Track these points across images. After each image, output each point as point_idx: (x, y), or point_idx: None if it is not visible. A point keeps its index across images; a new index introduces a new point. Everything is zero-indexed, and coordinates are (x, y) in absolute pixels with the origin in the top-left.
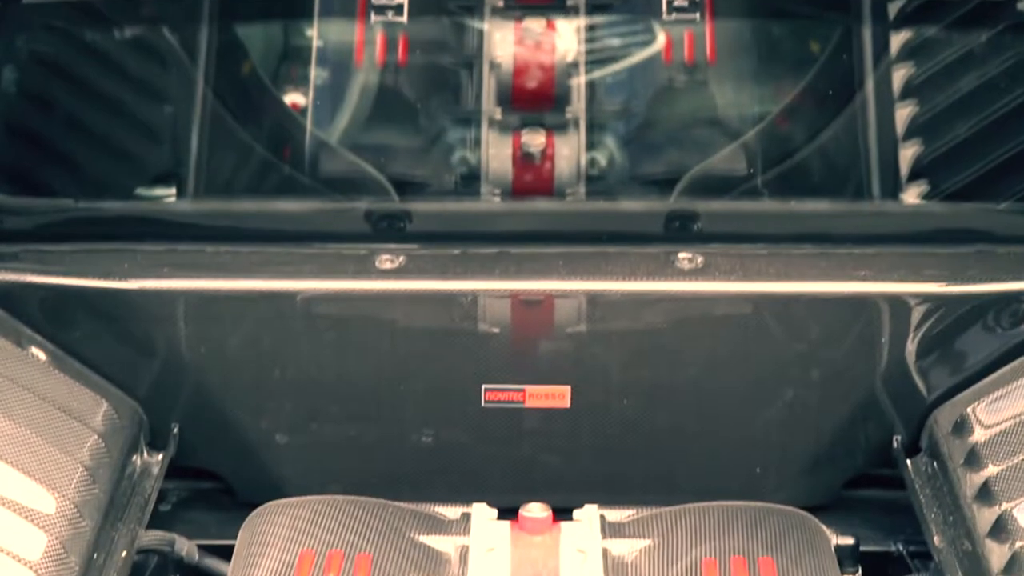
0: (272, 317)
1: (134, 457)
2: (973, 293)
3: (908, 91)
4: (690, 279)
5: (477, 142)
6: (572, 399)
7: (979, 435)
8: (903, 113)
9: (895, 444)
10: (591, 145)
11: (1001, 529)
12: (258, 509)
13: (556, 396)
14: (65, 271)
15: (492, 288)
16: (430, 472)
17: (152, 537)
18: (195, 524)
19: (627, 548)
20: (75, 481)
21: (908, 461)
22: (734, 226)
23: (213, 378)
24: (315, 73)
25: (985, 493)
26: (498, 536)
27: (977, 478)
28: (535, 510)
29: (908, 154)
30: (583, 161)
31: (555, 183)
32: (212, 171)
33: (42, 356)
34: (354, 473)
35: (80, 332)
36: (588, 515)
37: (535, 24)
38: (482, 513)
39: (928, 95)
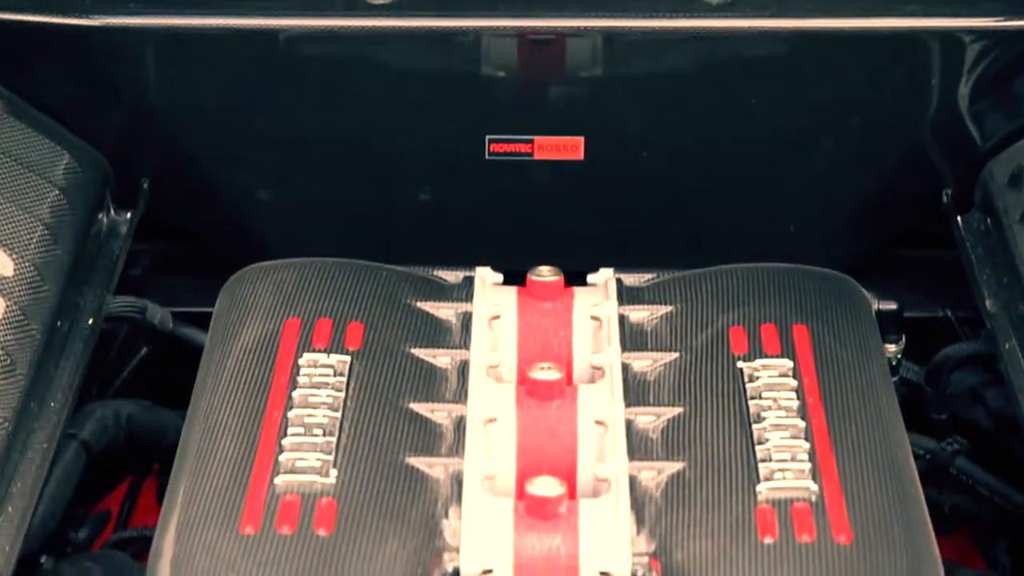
0: (252, 58)
1: (100, 215)
2: None
3: None
4: (718, 15)
5: None
6: (586, 151)
7: None
8: None
9: (944, 199)
10: None
11: None
12: (238, 273)
13: (568, 148)
14: (18, 5)
15: (497, 25)
16: (428, 233)
17: (122, 303)
18: (168, 290)
19: (646, 315)
20: (35, 241)
21: (959, 218)
22: None
23: (186, 127)
24: None
25: None
26: (504, 302)
27: None
28: (545, 273)
29: None
30: None
31: None
32: None
33: None
34: (343, 234)
35: (38, 75)
36: (603, 279)
37: None
38: (486, 277)
39: None
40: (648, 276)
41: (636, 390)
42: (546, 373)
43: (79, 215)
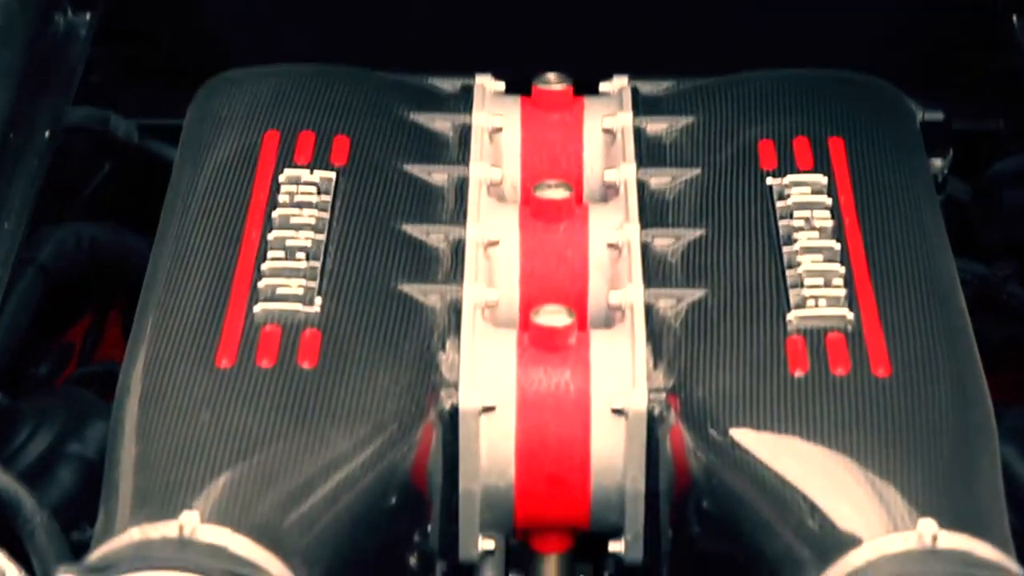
0: None
1: (56, 16)
2: None
3: None
4: None
5: None
6: None
7: None
8: None
9: None
10: None
11: None
12: (210, 81)
13: None
14: None
15: None
16: (421, 36)
17: (82, 113)
18: (134, 100)
19: (665, 126)
20: None
21: (1014, 17)
22: None
23: None
24: None
25: None
26: (507, 113)
27: None
28: (552, 81)
29: None
30: None
31: None
32: None
33: None
34: (325, 37)
35: None
36: (617, 87)
37: None
38: (487, 85)
39: None
40: (667, 84)
41: (653, 210)
42: (553, 191)
43: (31, 15)
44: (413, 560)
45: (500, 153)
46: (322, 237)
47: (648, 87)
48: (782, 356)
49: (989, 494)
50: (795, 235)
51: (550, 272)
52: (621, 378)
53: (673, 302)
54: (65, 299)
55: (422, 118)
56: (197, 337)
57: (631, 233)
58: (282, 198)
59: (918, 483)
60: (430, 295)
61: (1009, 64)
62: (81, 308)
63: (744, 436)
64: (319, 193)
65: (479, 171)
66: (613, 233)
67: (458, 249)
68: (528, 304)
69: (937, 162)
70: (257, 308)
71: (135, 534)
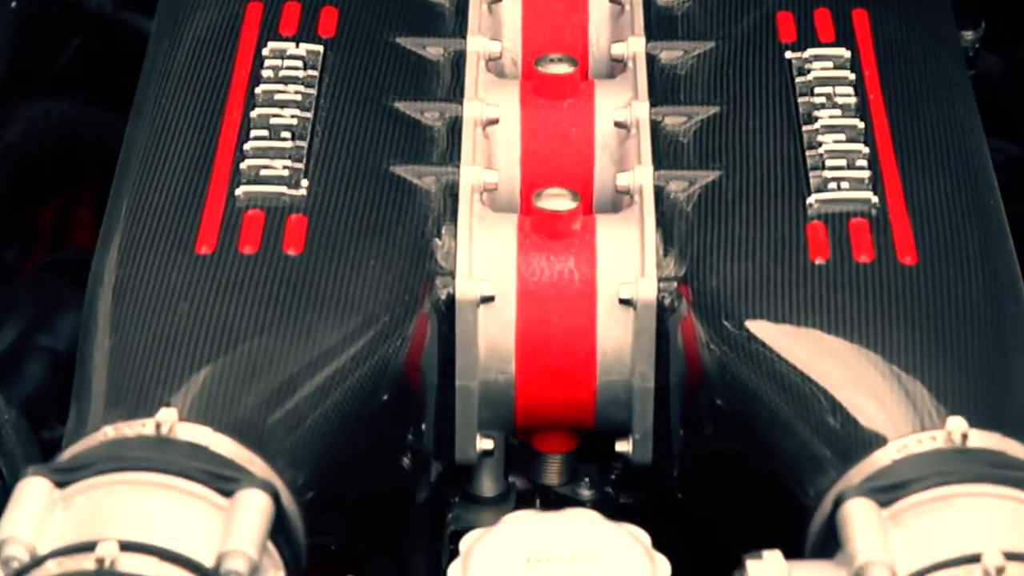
0: None
1: None
2: None
3: None
4: None
5: None
6: None
7: None
8: None
9: None
10: None
11: None
12: None
13: None
14: None
15: None
16: None
17: None
18: None
19: None
20: None
21: None
22: None
23: None
24: None
25: None
26: None
27: None
28: None
29: None
30: None
31: None
32: None
33: None
34: None
35: None
36: None
37: None
38: None
39: None
40: None
41: (664, 86)
42: (557, 66)
43: None
44: (407, 461)
45: (500, 25)
46: (309, 115)
47: None
48: (802, 242)
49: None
50: (816, 113)
51: (553, 153)
52: (629, 266)
53: (685, 185)
54: (34, 180)
55: None
56: (175, 221)
57: (640, 111)
58: (266, 73)
59: (947, 378)
60: (424, 177)
61: None
62: (51, 190)
63: (760, 328)
64: (305, 68)
65: (477, 44)
66: (621, 111)
67: (454, 128)
68: (529, 187)
69: (968, 35)
70: (239, 191)
71: (109, 433)
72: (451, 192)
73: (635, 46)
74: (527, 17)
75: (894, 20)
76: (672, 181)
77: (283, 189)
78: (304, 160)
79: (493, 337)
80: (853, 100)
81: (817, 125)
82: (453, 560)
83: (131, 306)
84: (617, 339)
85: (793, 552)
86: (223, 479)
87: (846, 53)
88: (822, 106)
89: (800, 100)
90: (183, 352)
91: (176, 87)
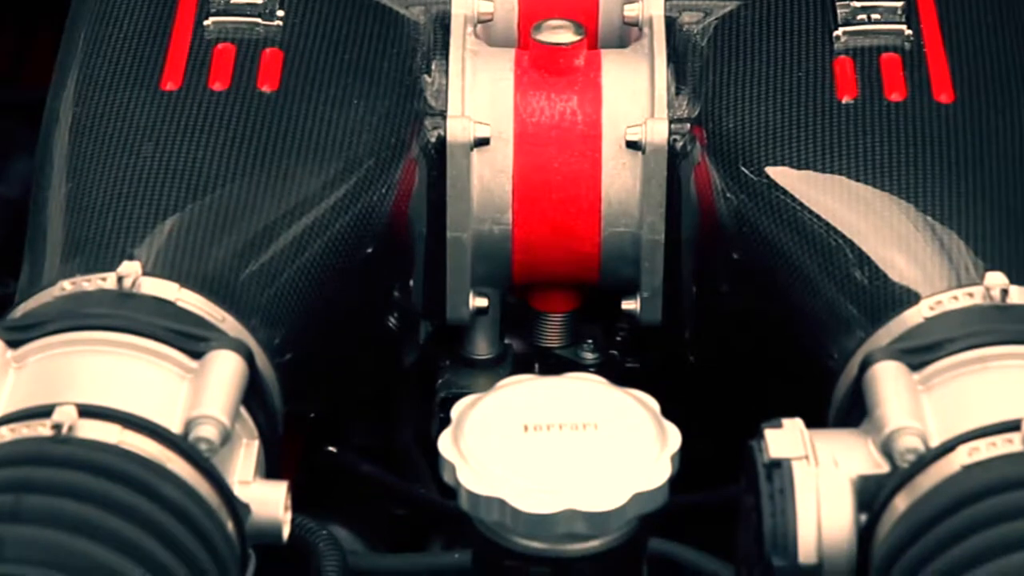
0: None
1: None
2: None
3: None
4: None
5: None
6: None
7: None
8: None
9: None
10: None
11: None
12: None
13: None
14: None
15: None
16: None
17: None
18: None
19: None
20: None
21: None
22: None
23: None
24: None
25: None
26: None
27: None
28: None
29: None
30: None
31: None
32: None
33: None
34: None
35: None
36: None
37: None
38: None
39: None
40: None
41: None
42: None
43: None
44: (393, 321)
45: None
46: None
47: None
48: (828, 79)
49: None
50: None
51: None
52: (637, 106)
53: (699, 16)
54: None
55: None
56: (138, 55)
57: None
58: None
59: (986, 229)
60: (412, 7)
61: None
62: (2, 22)
63: (781, 174)
64: None
65: None
66: None
67: None
68: (528, 18)
69: None
70: (208, 22)
71: (66, 287)
72: (442, 23)
73: None
74: None
75: None
76: (685, 12)
77: (256, 20)
78: None
79: (488, 184)
80: None
81: None
82: (443, 429)
83: (90, 148)
84: (624, 186)
85: (815, 421)
86: (191, 338)
87: None
88: None
89: None
90: (147, 199)
91: None
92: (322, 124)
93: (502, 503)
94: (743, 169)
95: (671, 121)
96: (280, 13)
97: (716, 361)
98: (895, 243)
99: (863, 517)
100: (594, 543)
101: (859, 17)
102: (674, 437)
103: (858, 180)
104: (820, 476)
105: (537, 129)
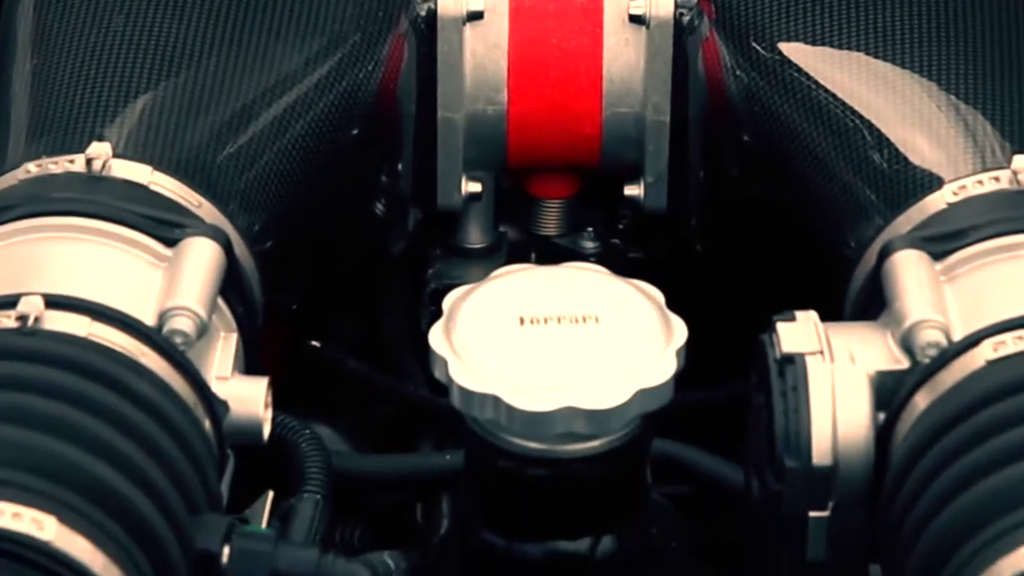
0: None
1: None
2: None
3: None
4: None
5: None
6: None
7: None
8: None
9: None
10: None
11: None
12: None
13: None
14: None
15: None
16: None
17: None
18: None
19: None
20: None
21: None
22: None
23: None
24: None
25: None
26: None
27: None
28: None
29: None
30: None
31: None
32: None
33: None
34: None
35: None
36: None
37: None
38: None
39: None
40: None
41: None
42: None
43: None
44: (380, 207)
45: None
46: None
47: None
48: None
49: None
50: None
51: None
52: None
53: None
54: None
55: None
56: None
57: None
58: None
59: (1014, 108)
60: None
61: None
62: None
63: (795, 50)
64: None
65: None
66: None
67: None
68: None
69: None
70: None
71: (31, 169)
72: None
73: None
74: None
75: None
76: None
77: None
78: None
79: (481, 60)
80: None
81: None
82: (434, 321)
83: (56, 21)
84: (627, 63)
85: (830, 314)
86: (165, 224)
87: None
88: None
89: None
90: (118, 76)
91: None
92: None
93: (496, 400)
94: (754, 44)
95: None
96: None
97: (724, 250)
98: (916, 123)
99: (881, 416)
100: (594, 443)
101: None
102: (680, 330)
103: (877, 56)
104: (835, 372)
105: (534, 2)
